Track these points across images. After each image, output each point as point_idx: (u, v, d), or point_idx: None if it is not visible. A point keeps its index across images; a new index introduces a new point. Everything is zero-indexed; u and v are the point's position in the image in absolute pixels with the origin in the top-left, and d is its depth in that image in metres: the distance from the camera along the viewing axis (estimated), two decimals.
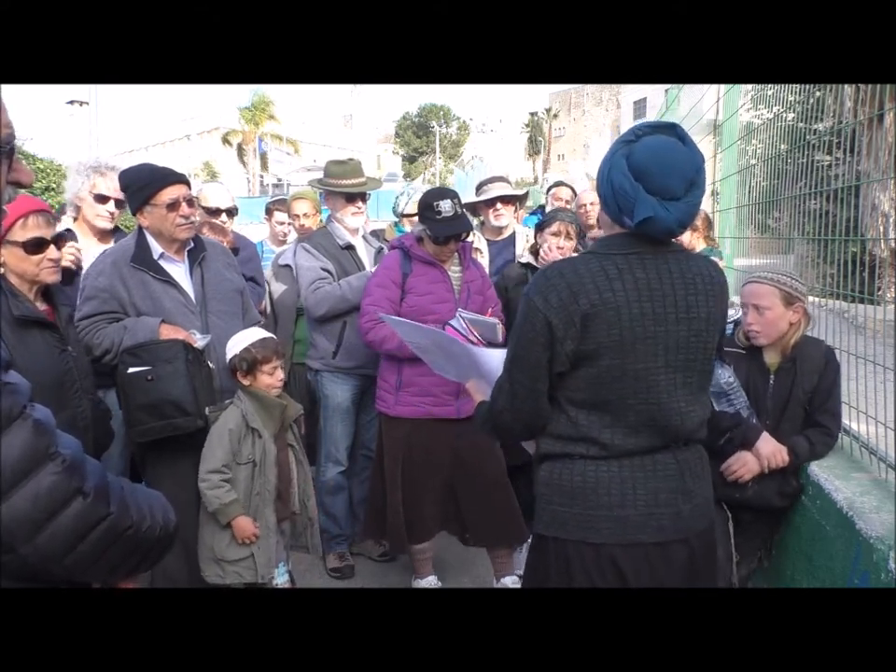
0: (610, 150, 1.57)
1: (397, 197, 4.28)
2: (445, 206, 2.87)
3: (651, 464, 1.57)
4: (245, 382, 2.54)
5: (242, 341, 2.56)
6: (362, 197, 3.47)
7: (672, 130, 1.55)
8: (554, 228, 3.25)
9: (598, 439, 1.55)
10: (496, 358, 1.77)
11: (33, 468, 0.94)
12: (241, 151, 46.58)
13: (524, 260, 3.40)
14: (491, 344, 2.66)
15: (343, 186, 3.40)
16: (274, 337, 2.68)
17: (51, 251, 2.19)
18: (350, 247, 3.43)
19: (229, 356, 2.57)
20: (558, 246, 3.22)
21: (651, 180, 1.48)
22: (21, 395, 0.96)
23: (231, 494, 2.45)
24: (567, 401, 1.57)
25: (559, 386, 1.56)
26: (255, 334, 2.59)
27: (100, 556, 1.02)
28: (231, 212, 3.90)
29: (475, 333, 2.76)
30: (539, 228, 3.37)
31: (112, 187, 2.99)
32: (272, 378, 2.55)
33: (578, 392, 1.55)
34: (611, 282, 1.49)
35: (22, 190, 1.18)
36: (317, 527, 2.77)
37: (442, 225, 2.89)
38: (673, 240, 1.62)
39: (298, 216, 4.10)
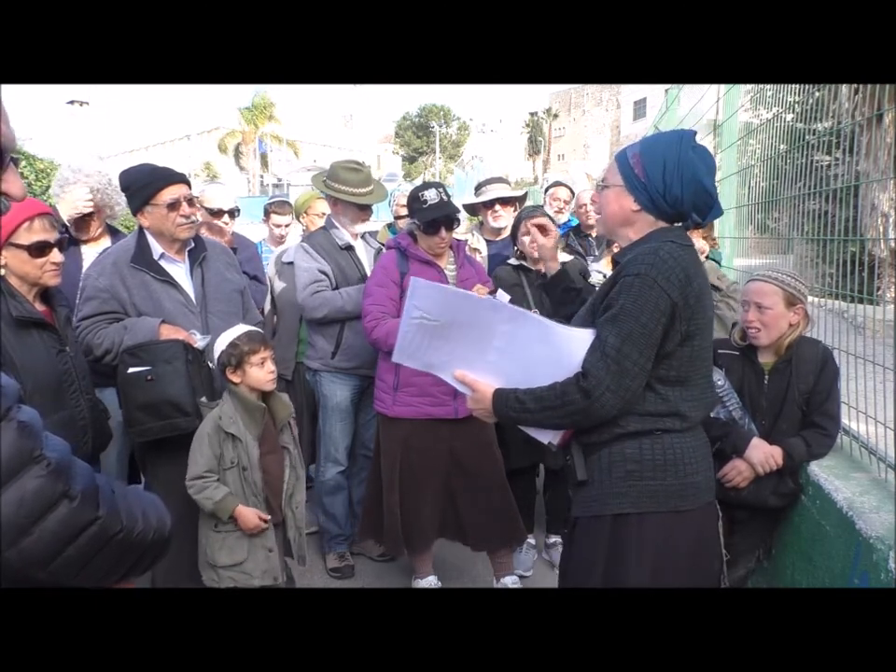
0: (678, 153, 1.65)
1: (391, 192, 4.28)
2: (430, 195, 2.96)
3: (701, 433, 1.77)
4: (236, 379, 2.47)
5: (227, 337, 2.50)
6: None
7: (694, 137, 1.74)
8: (523, 229, 3.25)
9: (682, 412, 1.68)
10: (577, 339, 1.68)
11: (17, 470, 0.92)
12: (238, 154, 46.36)
13: (514, 262, 3.40)
14: None
15: (358, 195, 3.35)
16: (261, 330, 2.64)
17: (54, 255, 2.19)
18: (349, 248, 3.43)
19: (216, 354, 2.50)
20: (531, 241, 3.21)
21: (713, 180, 1.70)
22: (7, 396, 0.94)
23: (220, 490, 2.39)
24: (656, 379, 1.65)
25: (655, 365, 1.64)
26: (239, 329, 2.53)
27: (88, 561, 0.99)
28: (233, 213, 3.91)
29: None
30: (514, 238, 3.38)
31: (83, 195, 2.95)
32: (262, 370, 2.47)
33: (671, 370, 1.65)
34: (698, 269, 1.66)
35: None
36: (304, 539, 2.67)
37: (429, 212, 2.94)
38: None
39: (319, 215, 4.11)
